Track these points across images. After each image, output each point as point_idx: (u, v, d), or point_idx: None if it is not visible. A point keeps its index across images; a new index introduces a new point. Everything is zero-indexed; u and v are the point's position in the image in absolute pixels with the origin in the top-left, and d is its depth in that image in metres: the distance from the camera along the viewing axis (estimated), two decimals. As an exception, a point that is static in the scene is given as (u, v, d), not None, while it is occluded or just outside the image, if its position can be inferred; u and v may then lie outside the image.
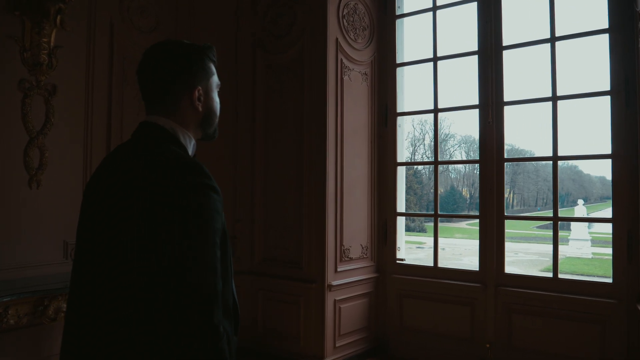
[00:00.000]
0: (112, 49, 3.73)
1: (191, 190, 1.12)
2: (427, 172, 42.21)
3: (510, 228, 25.82)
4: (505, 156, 3.83)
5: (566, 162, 47.77)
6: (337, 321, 3.85)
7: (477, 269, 3.85)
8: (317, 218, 3.81)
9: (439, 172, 4.39)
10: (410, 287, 4.11)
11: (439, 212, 4.16)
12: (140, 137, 1.28)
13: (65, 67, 3.44)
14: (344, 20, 3.99)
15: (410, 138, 44.85)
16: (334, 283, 3.79)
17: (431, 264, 4.10)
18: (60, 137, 3.43)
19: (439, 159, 4.33)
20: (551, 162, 3.70)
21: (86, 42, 3.59)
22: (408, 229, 31.86)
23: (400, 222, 4.38)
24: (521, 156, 34.27)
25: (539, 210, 40.62)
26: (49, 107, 3.37)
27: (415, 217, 26.97)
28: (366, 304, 4.13)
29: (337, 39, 3.92)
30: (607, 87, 3.41)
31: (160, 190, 1.11)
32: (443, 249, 20.45)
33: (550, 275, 3.60)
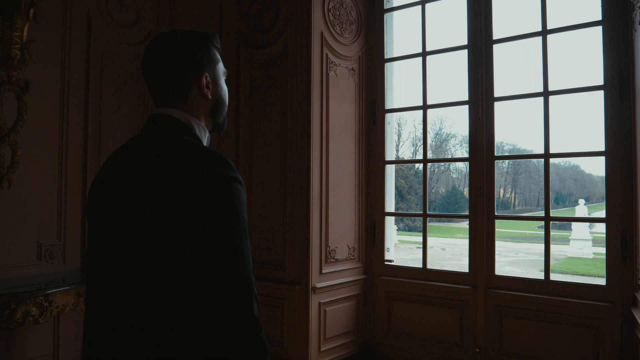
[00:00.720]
0: (89, 44, 3.63)
1: (221, 183, 1.09)
2: (428, 172, 41.92)
3: (513, 228, 25.77)
4: (498, 154, 3.70)
5: (568, 162, 47.58)
6: (322, 324, 3.72)
7: (467, 271, 3.72)
8: (300, 218, 3.69)
9: (440, 171, 4.29)
10: (398, 290, 3.98)
11: (427, 212, 4.01)
12: (153, 130, 1.22)
13: (39, 63, 3.33)
14: (330, 14, 3.87)
15: (412, 138, 44.68)
16: (319, 285, 3.67)
17: (428, 265, 3.97)
18: (34, 135, 3.32)
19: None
20: (546, 159, 3.55)
21: (62, 36, 3.48)
22: (409, 228, 31.87)
23: (390, 222, 4.25)
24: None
25: (540, 210, 40.43)
26: (21, 104, 3.26)
27: (416, 217, 26.74)
28: (353, 307, 4.01)
29: (322, 33, 3.80)
30: (601, 82, 3.28)
31: (189, 185, 1.06)
32: (444, 249, 20.32)
33: (542, 277, 3.46)
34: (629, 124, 3.14)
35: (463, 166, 43.19)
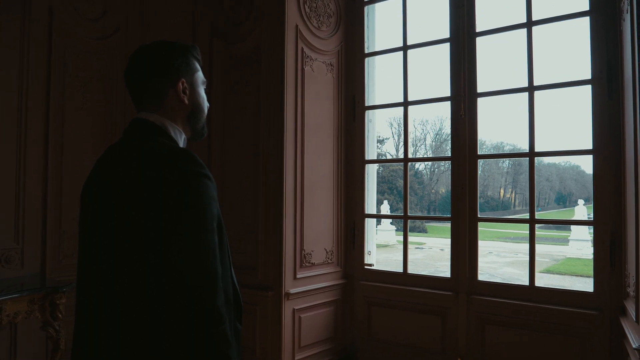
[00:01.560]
0: (50, 37, 3.45)
1: (187, 178, 1.15)
2: (428, 173, 41.73)
3: (512, 228, 25.43)
4: (480, 152, 3.52)
5: (568, 162, 47.20)
6: (297, 332, 3.54)
7: (449, 276, 3.53)
8: (273, 220, 3.50)
9: (441, 172, 4.14)
10: (379, 295, 3.79)
11: (408, 214, 3.83)
12: (130, 133, 1.30)
13: (-6, 56, 3.17)
14: (306, 6, 3.69)
15: (412, 138, 44.45)
16: (293, 291, 3.48)
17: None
18: (-11, 133, 3.15)
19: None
20: (530, 158, 3.36)
21: (20, 28, 3.31)
22: (409, 229, 31.60)
23: (371, 224, 4.07)
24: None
25: (539, 211, 40.18)
26: (-26, 100, 3.09)
27: (415, 218, 26.46)
28: (331, 313, 3.82)
29: (297, 26, 3.61)
30: (589, 76, 3.09)
31: (156, 182, 1.13)
32: (442, 249, 20.12)
33: (526, 283, 3.27)
34: (617, 120, 2.95)
35: (463, 166, 42.74)
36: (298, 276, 3.56)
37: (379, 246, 20.83)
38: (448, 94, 3.57)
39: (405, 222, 3.81)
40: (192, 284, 1.09)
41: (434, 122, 41.58)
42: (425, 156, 39.64)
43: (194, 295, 1.08)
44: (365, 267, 3.93)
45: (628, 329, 2.55)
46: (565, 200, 43.17)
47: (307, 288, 3.61)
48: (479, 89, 3.46)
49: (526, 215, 3.49)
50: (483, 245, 21.99)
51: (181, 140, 1.35)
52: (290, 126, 3.54)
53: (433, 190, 39.92)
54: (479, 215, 3.46)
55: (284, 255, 3.45)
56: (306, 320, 3.61)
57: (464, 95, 3.47)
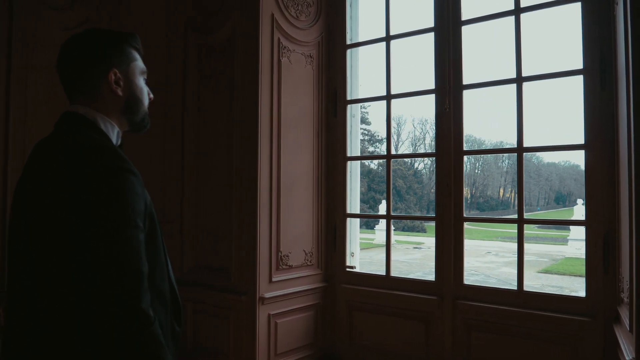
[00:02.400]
0: (11, 28, 3.25)
1: (106, 173, 1.11)
2: (427, 172, 41.49)
3: (512, 228, 25.32)
4: (466, 148, 3.32)
5: (568, 161, 46.94)
6: (273, 338, 3.34)
7: (434, 279, 3.34)
8: (247, 221, 3.31)
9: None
10: (361, 299, 3.60)
11: (391, 214, 3.63)
12: (59, 127, 1.25)
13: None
14: (283, -5, 3.49)
15: (411, 137, 44.29)
16: (268, 295, 3.29)
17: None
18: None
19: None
20: (519, 154, 3.16)
21: (-24, 18, 3.12)
22: (408, 228, 31.31)
23: (354, 224, 3.87)
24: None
25: (538, 211, 40.00)
26: None
27: (415, 217, 26.42)
28: (311, 318, 3.63)
29: (272, 15, 3.41)
30: (580, 66, 2.89)
31: (78, 177, 1.09)
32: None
33: (515, 287, 3.07)
34: (611, 112, 2.75)
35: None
36: (274, 279, 3.36)
37: (377, 246, 20.65)
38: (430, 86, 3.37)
39: (388, 222, 3.60)
40: (116, 283, 1.05)
41: (433, 121, 41.43)
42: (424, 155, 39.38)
43: (117, 293, 1.05)
44: (347, 269, 3.73)
45: (622, 339, 2.36)
46: (564, 199, 43.06)
47: (284, 292, 3.41)
48: (465, 81, 3.26)
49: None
50: (482, 245, 21.89)
51: (114, 134, 1.29)
52: (265, 121, 3.34)
53: (432, 190, 39.72)
54: (464, 215, 3.26)
55: (258, 257, 3.26)
56: (283, 325, 3.41)
57: (448, 87, 3.27)
